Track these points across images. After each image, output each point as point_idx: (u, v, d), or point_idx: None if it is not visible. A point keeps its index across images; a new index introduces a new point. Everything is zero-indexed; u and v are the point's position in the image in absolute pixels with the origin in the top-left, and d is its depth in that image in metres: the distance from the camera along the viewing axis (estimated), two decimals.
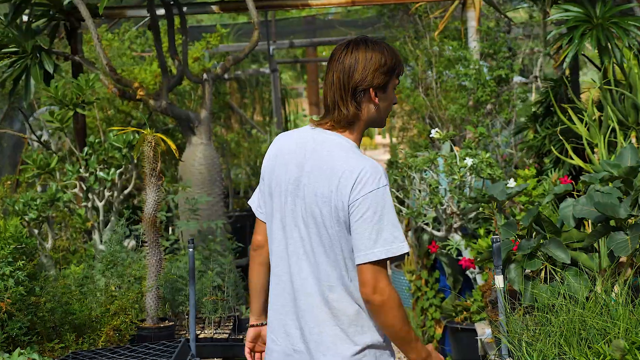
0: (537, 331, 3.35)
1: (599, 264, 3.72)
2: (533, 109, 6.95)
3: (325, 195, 2.74)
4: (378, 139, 27.68)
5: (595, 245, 3.78)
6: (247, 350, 3.18)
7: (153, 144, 3.71)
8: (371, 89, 2.81)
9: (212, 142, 5.97)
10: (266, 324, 3.07)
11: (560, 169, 6.23)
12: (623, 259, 3.68)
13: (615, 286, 3.60)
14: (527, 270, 3.78)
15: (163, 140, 3.78)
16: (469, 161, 5.32)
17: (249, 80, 13.38)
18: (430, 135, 5.61)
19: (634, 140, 5.35)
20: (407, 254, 7.59)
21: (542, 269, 3.74)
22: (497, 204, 4.38)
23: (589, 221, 3.87)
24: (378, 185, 2.72)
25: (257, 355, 3.18)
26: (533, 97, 9.14)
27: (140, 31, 9.99)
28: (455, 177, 5.38)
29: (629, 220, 3.60)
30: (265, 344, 3.11)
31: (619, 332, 3.14)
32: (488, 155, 5.41)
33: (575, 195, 4.09)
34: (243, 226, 6.88)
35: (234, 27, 12.96)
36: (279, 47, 12.68)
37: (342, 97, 2.80)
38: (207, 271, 4.69)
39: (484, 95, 6.94)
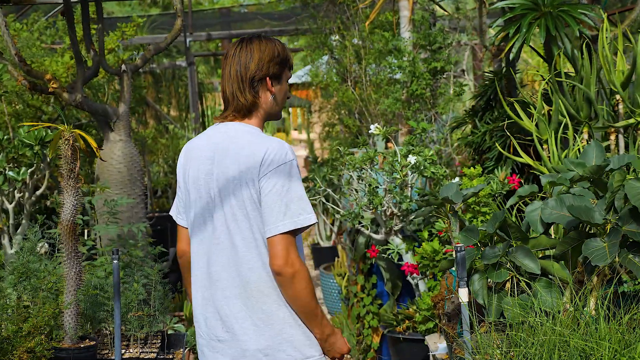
0: (510, 351, 2.98)
1: (571, 274, 3.39)
2: (472, 104, 6.64)
3: (236, 177, 2.85)
4: (294, 134, 27.30)
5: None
6: None
7: (71, 141, 3.21)
8: (267, 78, 2.98)
9: (131, 138, 5.45)
10: None
11: (503, 167, 5.93)
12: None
13: (590, 299, 3.27)
14: (490, 281, 3.42)
15: (82, 137, 3.28)
16: (411, 159, 4.94)
17: (164, 74, 12.79)
18: (370, 131, 5.21)
19: (585, 135, 5.05)
20: (337, 255, 7.20)
21: (507, 280, 3.38)
22: (451, 207, 4.00)
23: (558, 226, 3.53)
24: (284, 160, 2.85)
25: None
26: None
27: (50, 22, 9.33)
28: (397, 176, 5.00)
29: (606, 226, 3.28)
30: None
31: (603, 354, 2.80)
32: (432, 152, 5.05)
33: (537, 197, 3.74)
34: (164, 229, 6.36)
35: (147, 18, 12.36)
36: (196, 40, 12.14)
37: (239, 87, 2.95)
38: (131, 282, 4.18)
39: (418, 88, 6.59)
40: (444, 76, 7.10)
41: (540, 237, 3.44)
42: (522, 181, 5.34)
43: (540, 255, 3.51)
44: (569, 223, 3.35)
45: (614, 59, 5.09)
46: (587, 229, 3.44)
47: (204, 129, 12.65)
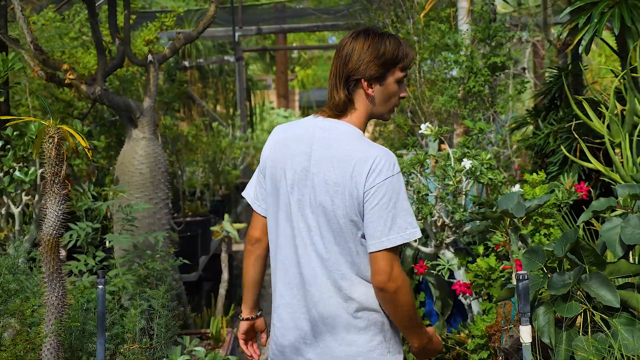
0: None
1: None
2: (532, 103, 6.01)
3: (338, 183, 2.72)
4: None
5: None
6: (241, 342, 3.16)
7: (56, 139, 2.70)
8: (363, 80, 2.78)
9: (156, 136, 4.94)
10: (259, 317, 3.14)
11: (568, 172, 5.30)
12: None
13: None
14: (557, 315, 2.82)
15: (72, 134, 2.76)
16: (466, 163, 4.35)
17: (211, 70, 12.34)
18: (420, 132, 4.63)
19: None
20: None
21: (578, 314, 2.79)
22: (511, 221, 3.41)
23: None
24: (392, 172, 2.70)
25: (254, 345, 3.16)
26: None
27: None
28: (450, 182, 4.41)
29: None
30: (258, 333, 3.18)
31: None
32: (489, 156, 4.45)
33: (610, 211, 3.13)
34: (194, 236, 5.84)
35: (196, 13, 11.92)
36: (245, 34, 11.66)
37: (336, 84, 2.81)
38: (134, 306, 3.63)
39: (476, 85, 5.98)
40: (504, 73, 6.48)
41: (619, 262, 2.84)
42: (591, 189, 4.71)
43: (620, 283, 2.91)
44: None
45: None
46: None
47: (251, 127, 12.18)
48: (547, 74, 6.54)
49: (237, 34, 11.29)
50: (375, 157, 2.70)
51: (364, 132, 2.85)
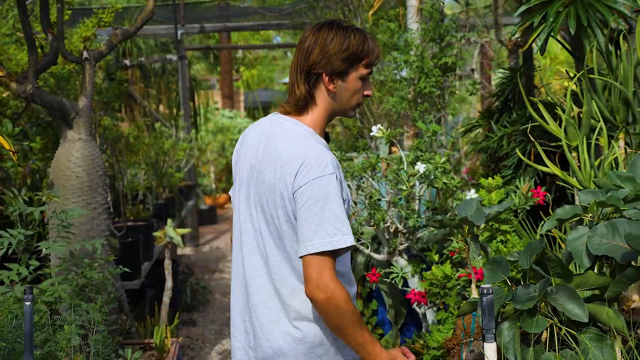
0: None
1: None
2: (480, 105, 5.87)
3: (272, 182, 2.63)
4: None
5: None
6: None
7: None
8: (324, 74, 2.66)
9: (93, 137, 4.67)
10: None
11: (522, 176, 5.17)
12: None
13: None
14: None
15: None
16: (420, 167, 4.18)
17: (154, 69, 12.02)
18: (372, 134, 4.44)
19: (622, 142, 4.30)
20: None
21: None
22: (469, 229, 3.23)
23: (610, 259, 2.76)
24: (322, 173, 2.54)
25: None
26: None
27: (29, 9, 8.56)
28: (403, 187, 4.23)
29: None
30: None
31: None
32: (444, 159, 4.28)
33: (583, 219, 2.97)
34: (135, 241, 5.57)
35: (136, 9, 11.58)
36: (188, 32, 11.37)
37: (296, 78, 2.69)
38: (67, 322, 3.37)
39: (427, 86, 5.82)
40: (453, 74, 6.33)
41: (587, 274, 2.68)
42: (548, 194, 4.58)
43: (587, 296, 2.76)
44: (626, 256, 2.59)
45: None
46: None
47: (196, 128, 11.89)
48: (498, 75, 6.41)
49: (179, 32, 11.00)
50: (306, 157, 2.57)
51: (324, 129, 2.74)
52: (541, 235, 3.48)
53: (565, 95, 4.89)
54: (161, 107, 11.88)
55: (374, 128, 4.42)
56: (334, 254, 2.53)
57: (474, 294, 3.09)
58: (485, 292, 2.47)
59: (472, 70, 9.33)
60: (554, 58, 14.51)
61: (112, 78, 7.73)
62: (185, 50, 11.50)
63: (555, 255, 2.66)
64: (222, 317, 7.42)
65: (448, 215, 4.49)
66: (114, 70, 8.02)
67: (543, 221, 4.39)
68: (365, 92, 2.75)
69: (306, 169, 2.55)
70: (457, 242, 3.66)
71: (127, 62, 10.87)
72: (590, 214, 2.91)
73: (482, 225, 3.38)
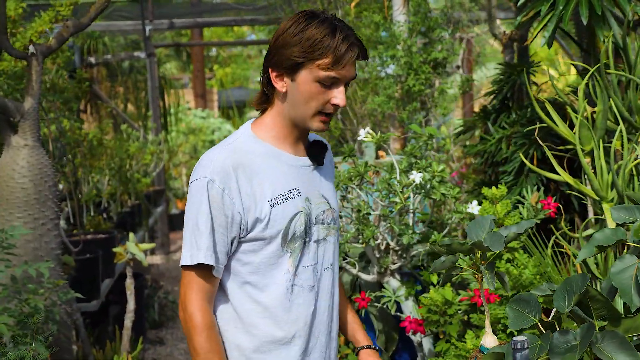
0: None
1: None
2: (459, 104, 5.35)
3: None
4: None
5: None
6: None
7: None
8: (270, 70, 2.31)
9: (40, 142, 4.10)
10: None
11: (524, 183, 4.65)
12: None
13: None
14: None
15: None
16: (416, 177, 3.64)
17: (121, 67, 11.43)
18: (360, 138, 3.90)
19: None
20: None
21: None
22: (483, 254, 2.69)
23: None
24: (195, 176, 2.29)
25: None
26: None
27: None
28: (397, 199, 3.69)
29: None
30: None
31: None
32: (442, 167, 3.75)
33: (624, 244, 2.44)
34: (94, 258, 4.99)
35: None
36: (157, 29, 10.78)
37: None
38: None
39: (416, 84, 5.29)
40: (445, 70, 5.82)
41: (638, 317, 2.15)
42: (560, 206, 4.06)
43: (638, 343, 2.24)
44: None
45: None
46: None
47: (165, 129, 11.31)
48: (493, 72, 5.90)
49: (147, 28, 10.42)
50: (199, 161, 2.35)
51: (288, 135, 2.36)
52: (583, 264, 2.96)
53: (570, 93, 4.39)
54: (129, 107, 11.28)
55: (361, 132, 3.87)
56: (201, 271, 2.26)
57: (489, 339, 2.53)
58: (519, 346, 1.94)
59: (458, 67, 8.85)
60: (533, 54, 14.07)
61: (72, 76, 7.13)
62: (154, 47, 10.91)
63: (601, 294, 2.13)
64: None
65: (446, 231, 3.97)
66: (72, 68, 7.43)
67: (553, 235, 3.89)
68: (332, 101, 2.28)
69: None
70: (467, 268, 3.13)
71: (92, 60, 10.28)
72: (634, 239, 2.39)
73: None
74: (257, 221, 2.28)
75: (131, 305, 4.75)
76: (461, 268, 3.00)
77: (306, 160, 2.44)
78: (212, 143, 13.98)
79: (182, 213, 12.31)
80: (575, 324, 2.26)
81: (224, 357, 2.31)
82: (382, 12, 5.93)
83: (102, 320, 5.70)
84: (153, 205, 8.84)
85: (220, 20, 11.16)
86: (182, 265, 2.29)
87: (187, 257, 2.27)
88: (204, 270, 2.27)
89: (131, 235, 4.83)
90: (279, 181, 2.33)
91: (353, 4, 6.06)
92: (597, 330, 2.12)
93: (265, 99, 2.37)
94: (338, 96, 2.28)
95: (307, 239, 2.39)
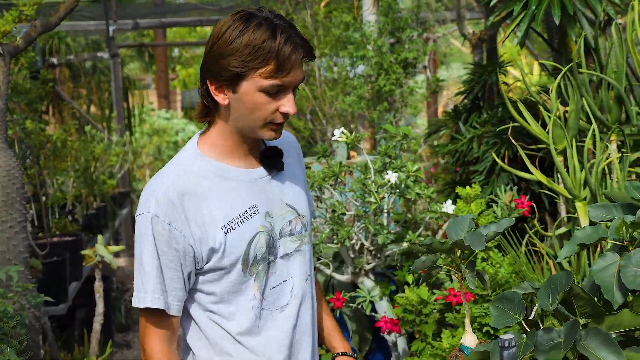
0: None
1: None
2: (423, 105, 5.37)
3: None
4: None
5: None
6: None
7: None
8: (208, 82, 2.09)
9: (8, 144, 4.02)
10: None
11: (496, 182, 4.67)
12: None
13: None
14: None
15: None
16: (391, 177, 3.63)
17: (84, 68, 11.30)
18: (334, 138, 3.88)
19: (614, 146, 3.82)
20: None
21: None
22: (462, 254, 2.68)
23: None
24: (138, 211, 2.13)
25: None
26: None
27: None
28: (372, 199, 3.68)
29: None
30: None
31: None
32: (416, 167, 3.75)
33: (601, 244, 2.45)
34: (61, 261, 4.92)
35: (63, 4, 10.83)
36: (121, 29, 10.68)
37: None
38: None
39: (387, 84, 5.29)
40: (415, 70, 5.82)
41: (622, 313, 2.16)
42: (534, 205, 4.07)
43: (619, 340, 2.24)
44: None
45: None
46: None
47: (129, 130, 11.20)
48: (463, 72, 5.92)
49: (111, 29, 10.32)
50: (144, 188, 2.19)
51: (235, 147, 2.16)
52: (558, 263, 2.97)
53: (542, 93, 4.41)
54: (92, 108, 11.16)
55: (336, 132, 3.85)
56: (153, 313, 2.12)
57: (470, 338, 2.52)
58: (507, 344, 1.93)
59: (425, 67, 8.88)
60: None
61: (35, 77, 7.03)
62: (118, 47, 10.81)
63: (585, 291, 2.13)
64: None
65: (420, 230, 3.97)
66: (35, 68, 7.32)
67: (527, 234, 3.90)
68: (282, 109, 2.08)
69: None
70: (447, 267, 3.13)
71: (54, 60, 10.15)
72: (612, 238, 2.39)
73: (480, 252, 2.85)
74: (212, 251, 2.12)
75: (100, 308, 4.69)
76: (441, 267, 3.00)
77: (261, 171, 2.24)
78: (176, 144, 13.88)
79: None
80: (557, 322, 2.26)
81: None
82: (351, 12, 5.92)
83: (70, 324, 5.62)
84: (118, 207, 8.75)
85: (185, 21, 11.10)
86: (141, 309, 2.14)
87: (135, 299, 2.13)
88: (156, 312, 2.12)
89: (100, 237, 4.77)
90: (230, 203, 2.15)
91: (322, 4, 6.04)
92: (581, 327, 2.12)
93: (207, 111, 2.16)
94: (287, 104, 2.08)
95: (272, 258, 2.22)
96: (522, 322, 2.19)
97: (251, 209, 2.17)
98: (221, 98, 2.08)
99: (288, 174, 2.31)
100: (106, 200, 7.61)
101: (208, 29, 27.85)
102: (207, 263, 2.13)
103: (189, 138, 14.39)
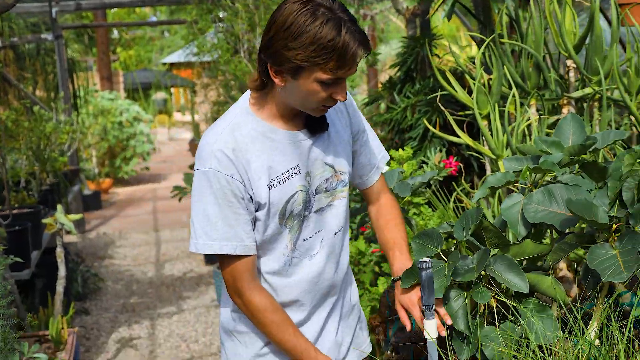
0: None
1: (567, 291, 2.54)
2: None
3: None
4: (177, 116, 25.99)
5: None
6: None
7: None
8: (269, 65, 2.19)
9: None
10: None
11: (428, 147, 5.07)
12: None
13: (593, 324, 2.42)
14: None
15: None
16: None
17: (28, 50, 11.41)
18: None
19: (533, 109, 4.24)
20: None
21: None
22: None
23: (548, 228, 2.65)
24: (197, 166, 2.28)
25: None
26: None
27: None
28: None
29: (612, 227, 2.43)
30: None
31: None
32: None
33: (514, 187, 2.85)
34: (23, 229, 5.20)
35: None
36: (63, 10, 10.82)
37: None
38: None
39: None
40: None
41: (524, 243, 2.57)
42: (461, 165, 4.49)
43: (524, 266, 2.65)
44: (564, 223, 2.49)
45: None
46: (585, 230, 2.60)
47: (76, 110, 11.38)
48: (397, 45, 6.29)
49: (54, 10, 10.48)
50: (200, 142, 2.33)
51: (283, 113, 2.31)
52: (477, 205, 3.36)
53: (470, 63, 4.81)
54: (38, 91, 11.30)
55: None
56: (229, 257, 2.30)
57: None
58: (424, 266, 2.32)
59: None
60: (435, 28, 14.61)
61: None
62: (62, 29, 10.96)
63: (492, 224, 2.53)
64: (115, 305, 7.10)
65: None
66: None
67: (455, 192, 4.31)
68: (335, 96, 2.23)
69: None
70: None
71: None
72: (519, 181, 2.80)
73: (405, 198, 3.24)
74: (258, 204, 2.30)
75: (62, 271, 4.98)
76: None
77: (306, 134, 2.37)
78: (121, 124, 14.02)
79: (95, 194, 12.41)
80: (471, 253, 2.66)
81: (291, 322, 2.41)
82: None
83: (30, 291, 5.90)
84: (70, 184, 9.00)
85: (126, 1, 11.26)
86: (219, 254, 2.30)
87: (193, 244, 2.30)
88: (230, 256, 2.30)
89: (59, 206, 5.06)
90: (275, 162, 2.31)
91: None
92: (490, 255, 2.52)
93: (263, 85, 2.29)
94: (340, 92, 2.23)
95: (307, 213, 2.39)
96: (440, 253, 2.58)
97: (293, 169, 2.34)
98: (279, 80, 2.20)
99: (332, 134, 2.45)
100: (59, 176, 7.86)
101: (148, 10, 27.84)
102: (255, 213, 2.33)
103: (134, 118, 14.59)
